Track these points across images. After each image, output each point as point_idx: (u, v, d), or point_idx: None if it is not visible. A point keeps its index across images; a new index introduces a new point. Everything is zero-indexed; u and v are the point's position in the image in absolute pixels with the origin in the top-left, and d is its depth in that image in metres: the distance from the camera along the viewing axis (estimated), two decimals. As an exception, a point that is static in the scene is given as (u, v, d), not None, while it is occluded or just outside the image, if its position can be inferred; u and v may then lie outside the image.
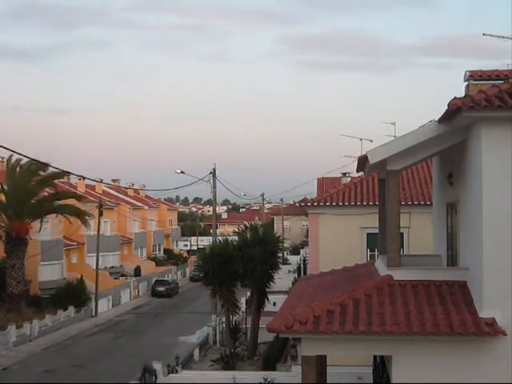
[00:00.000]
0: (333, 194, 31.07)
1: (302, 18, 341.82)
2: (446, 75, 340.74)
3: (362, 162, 18.16)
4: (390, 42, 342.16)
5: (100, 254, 59.56)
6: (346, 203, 30.24)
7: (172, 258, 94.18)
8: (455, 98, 13.41)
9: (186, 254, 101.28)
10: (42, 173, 51.01)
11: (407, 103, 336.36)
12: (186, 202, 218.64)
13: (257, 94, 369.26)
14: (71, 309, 51.76)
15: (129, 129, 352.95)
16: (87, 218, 53.89)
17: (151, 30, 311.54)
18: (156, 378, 27.48)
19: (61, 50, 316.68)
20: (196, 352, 37.16)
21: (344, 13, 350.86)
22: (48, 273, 57.28)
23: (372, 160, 15.19)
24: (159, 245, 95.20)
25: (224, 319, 39.58)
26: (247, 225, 38.65)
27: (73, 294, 53.05)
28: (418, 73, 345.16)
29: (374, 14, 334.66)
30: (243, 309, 43.37)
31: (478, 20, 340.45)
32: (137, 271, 75.08)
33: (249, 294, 39.82)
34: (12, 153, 19.17)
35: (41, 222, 50.96)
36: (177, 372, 29.35)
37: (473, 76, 16.84)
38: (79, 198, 54.25)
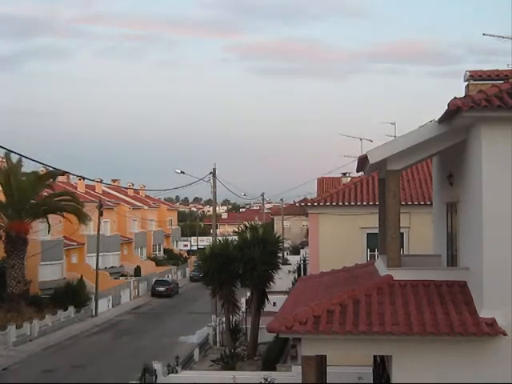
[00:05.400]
0: (333, 194, 31.09)
1: (248, 27, 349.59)
2: (395, 79, 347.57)
3: (362, 162, 18.17)
4: (339, 50, 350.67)
5: (100, 254, 59.53)
6: (346, 203, 30.26)
7: (172, 258, 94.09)
8: (455, 97, 13.41)
9: (186, 254, 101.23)
10: (40, 172, 51.01)
11: (368, 105, 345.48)
12: (185, 202, 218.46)
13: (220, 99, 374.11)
14: (71, 309, 51.71)
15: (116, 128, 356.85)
16: (87, 220, 53.85)
17: (102, 39, 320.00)
18: (156, 378, 27.50)
19: (19, 57, 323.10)
20: (196, 352, 37.13)
21: (289, 23, 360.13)
22: (48, 273, 57.24)
23: (372, 160, 15.19)
24: (159, 245, 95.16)
25: (224, 319, 39.55)
26: (247, 225, 38.60)
27: (73, 294, 52.96)
28: (369, 78, 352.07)
29: (317, 23, 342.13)
30: (243, 309, 43.36)
31: (416, 28, 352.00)
32: (137, 271, 75.03)
33: (249, 294, 39.80)
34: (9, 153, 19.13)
35: (47, 222, 50.96)
36: (177, 372, 29.36)
37: (473, 76, 16.84)
38: (79, 202, 54.03)
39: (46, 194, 53.73)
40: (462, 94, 13.63)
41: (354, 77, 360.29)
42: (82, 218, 52.88)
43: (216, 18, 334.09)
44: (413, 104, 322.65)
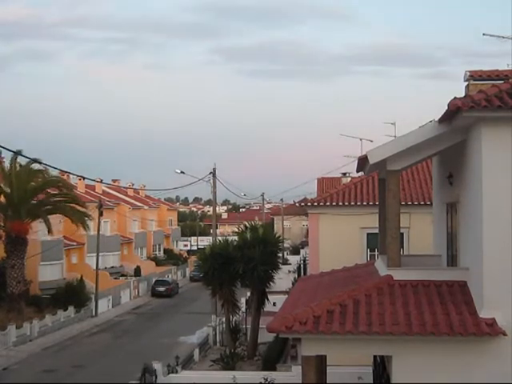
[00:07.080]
0: (333, 194, 31.10)
1: (232, 31, 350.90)
2: (378, 82, 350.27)
3: (362, 162, 18.17)
4: (321, 52, 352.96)
5: (100, 254, 59.53)
6: (346, 203, 30.27)
7: (172, 258, 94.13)
8: (455, 97, 13.40)
9: (186, 254, 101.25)
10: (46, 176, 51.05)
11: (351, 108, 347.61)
12: (185, 202, 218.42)
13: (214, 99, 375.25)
14: (71, 309, 51.71)
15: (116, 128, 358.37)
16: (87, 219, 53.80)
17: (87, 43, 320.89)
18: (156, 378, 27.49)
19: (7, 59, 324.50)
20: (196, 352, 37.12)
21: (269, 27, 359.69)
22: (48, 273, 57.23)
23: (372, 160, 15.19)
24: (159, 245, 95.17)
25: (224, 319, 39.56)
26: (247, 225, 38.61)
27: (73, 294, 52.98)
28: (352, 80, 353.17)
29: (302, 27, 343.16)
30: (243, 309, 43.36)
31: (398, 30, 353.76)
32: (137, 271, 75.06)
33: (249, 294, 39.80)
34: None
35: (45, 222, 50.89)
36: (177, 372, 29.35)
37: (473, 76, 16.83)
38: (81, 203, 54.00)
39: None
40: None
41: (347, 78, 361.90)
42: (84, 223, 52.88)
43: (199, 21, 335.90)
44: (403, 105, 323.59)
